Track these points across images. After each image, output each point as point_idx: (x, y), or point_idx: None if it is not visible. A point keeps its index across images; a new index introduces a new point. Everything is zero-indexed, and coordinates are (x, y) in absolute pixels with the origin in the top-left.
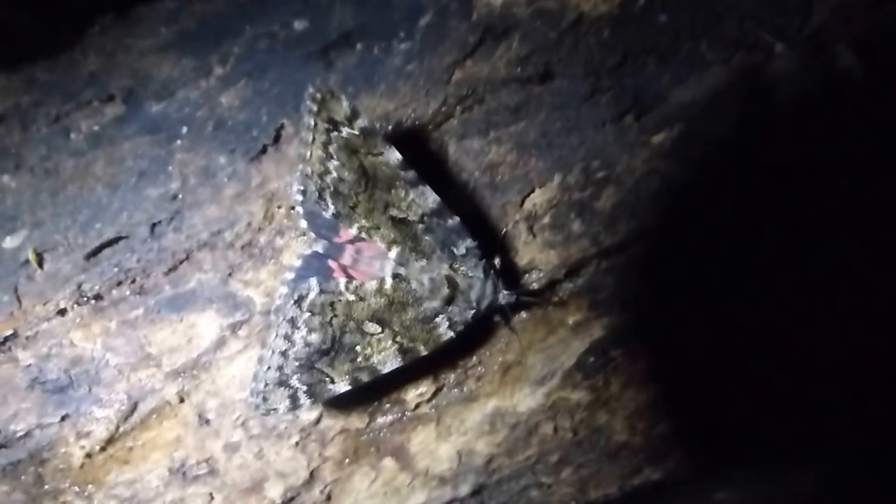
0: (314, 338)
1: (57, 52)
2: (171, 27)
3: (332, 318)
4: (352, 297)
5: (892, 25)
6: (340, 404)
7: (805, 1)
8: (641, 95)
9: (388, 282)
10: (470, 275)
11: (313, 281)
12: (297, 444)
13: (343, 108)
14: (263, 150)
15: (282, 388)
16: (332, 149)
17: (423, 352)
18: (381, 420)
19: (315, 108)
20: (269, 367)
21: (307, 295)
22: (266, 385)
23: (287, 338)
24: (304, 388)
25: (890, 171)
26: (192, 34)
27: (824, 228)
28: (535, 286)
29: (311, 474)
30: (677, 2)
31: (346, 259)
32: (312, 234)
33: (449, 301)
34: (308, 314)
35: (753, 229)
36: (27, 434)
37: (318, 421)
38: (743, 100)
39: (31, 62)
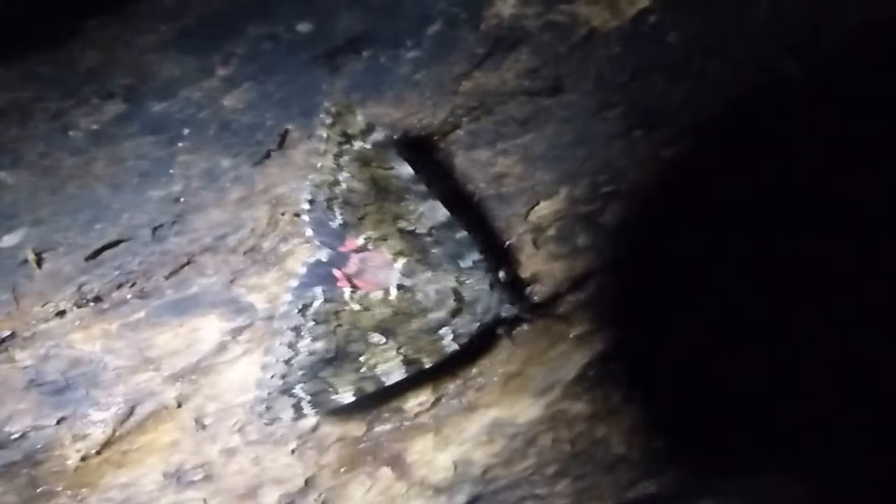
0: (318, 346)
1: (56, 47)
2: (171, 24)
3: (336, 328)
4: (357, 307)
5: None
6: (339, 412)
7: (815, 22)
8: (650, 111)
9: (394, 292)
10: (476, 288)
11: (318, 289)
12: (294, 450)
13: (358, 121)
14: (268, 155)
15: (285, 397)
16: (343, 161)
17: (428, 363)
18: (379, 428)
19: (330, 121)
20: (273, 375)
21: (312, 303)
22: (270, 393)
23: (291, 346)
24: (309, 397)
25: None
26: (192, 33)
27: (828, 245)
28: (537, 299)
29: (307, 482)
30: (688, 20)
31: (351, 268)
32: (317, 243)
33: (455, 313)
34: (312, 323)
35: (759, 246)
36: (22, 435)
37: (315, 428)
38: (751, 118)
39: (29, 56)
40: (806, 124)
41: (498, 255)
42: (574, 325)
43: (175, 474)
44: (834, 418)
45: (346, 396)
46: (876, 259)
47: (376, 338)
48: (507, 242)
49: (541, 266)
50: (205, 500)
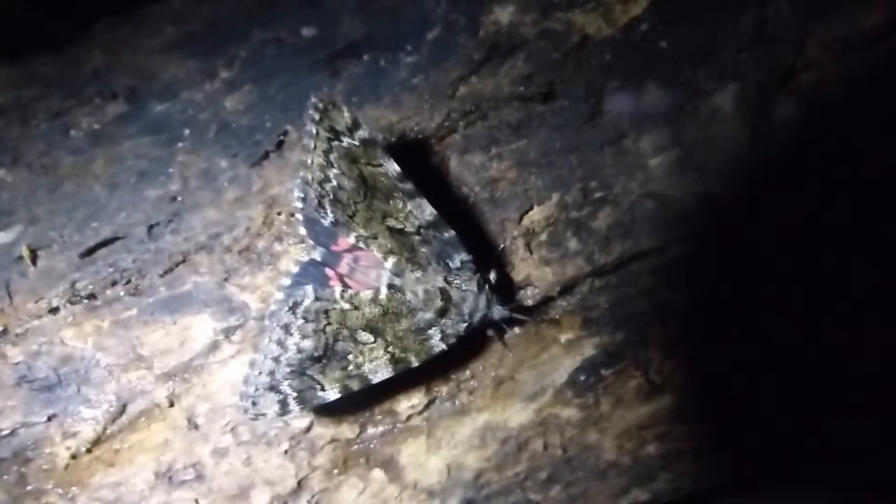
0: (307, 344)
1: (60, 47)
2: (178, 28)
3: (325, 326)
4: (346, 306)
5: (886, 61)
6: (332, 413)
7: (799, 35)
8: (640, 119)
9: (383, 291)
10: (464, 288)
11: (309, 288)
12: (286, 452)
13: (344, 118)
14: (266, 156)
15: (272, 393)
16: (332, 157)
17: (415, 363)
18: (372, 431)
19: (317, 116)
20: (260, 372)
21: (302, 301)
22: (256, 389)
23: (280, 343)
24: (295, 394)
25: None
26: (198, 36)
27: (821, 249)
28: (529, 302)
29: (299, 483)
30: (677, 30)
31: (343, 268)
32: (311, 242)
33: (442, 313)
34: (302, 320)
35: (746, 254)
36: (12, 432)
37: (308, 429)
38: (738, 128)
39: (33, 55)
40: (793, 130)
41: (489, 256)
42: (564, 330)
43: (166, 474)
44: (834, 432)
45: (332, 394)
46: (873, 267)
47: (365, 336)
48: (501, 246)
49: (532, 270)
50: (196, 501)
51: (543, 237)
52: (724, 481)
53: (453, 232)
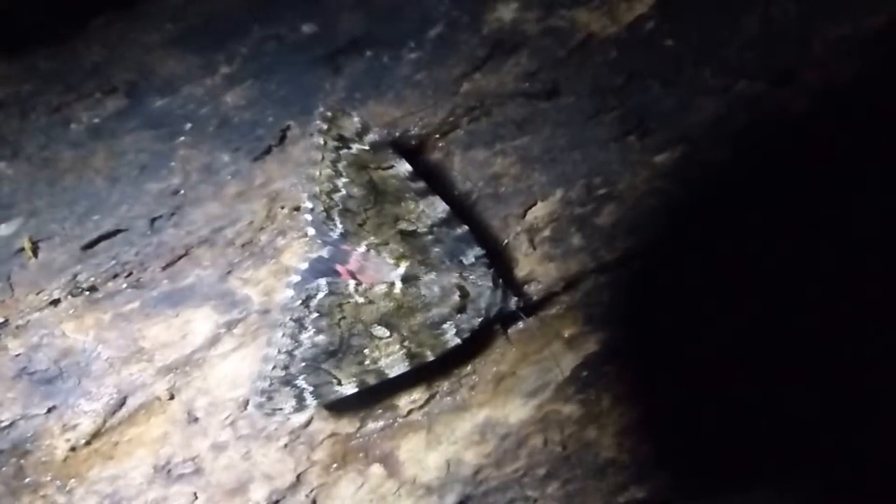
0: (321, 339)
1: (60, 42)
2: (178, 23)
3: (340, 320)
4: (361, 300)
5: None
6: (332, 407)
7: (805, 34)
8: (645, 116)
9: (398, 285)
10: (479, 283)
11: (322, 281)
12: (285, 446)
13: (353, 124)
14: (268, 150)
15: (287, 388)
16: (341, 166)
17: (430, 357)
18: (371, 425)
19: (325, 126)
20: (274, 366)
21: (315, 295)
22: (271, 383)
23: (294, 337)
24: (311, 388)
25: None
26: (198, 31)
27: (821, 252)
28: (533, 298)
29: (298, 478)
30: (683, 28)
31: (353, 265)
32: (320, 242)
33: (459, 309)
34: (316, 315)
35: (750, 252)
36: (11, 424)
37: (307, 424)
38: (743, 126)
39: (32, 50)
40: (798, 130)
41: (494, 252)
42: (567, 326)
43: (164, 467)
44: (830, 432)
45: (349, 388)
46: (871, 268)
47: (380, 331)
48: (504, 241)
49: (536, 266)
50: (194, 494)
51: (547, 233)
52: (723, 480)
53: (466, 227)
